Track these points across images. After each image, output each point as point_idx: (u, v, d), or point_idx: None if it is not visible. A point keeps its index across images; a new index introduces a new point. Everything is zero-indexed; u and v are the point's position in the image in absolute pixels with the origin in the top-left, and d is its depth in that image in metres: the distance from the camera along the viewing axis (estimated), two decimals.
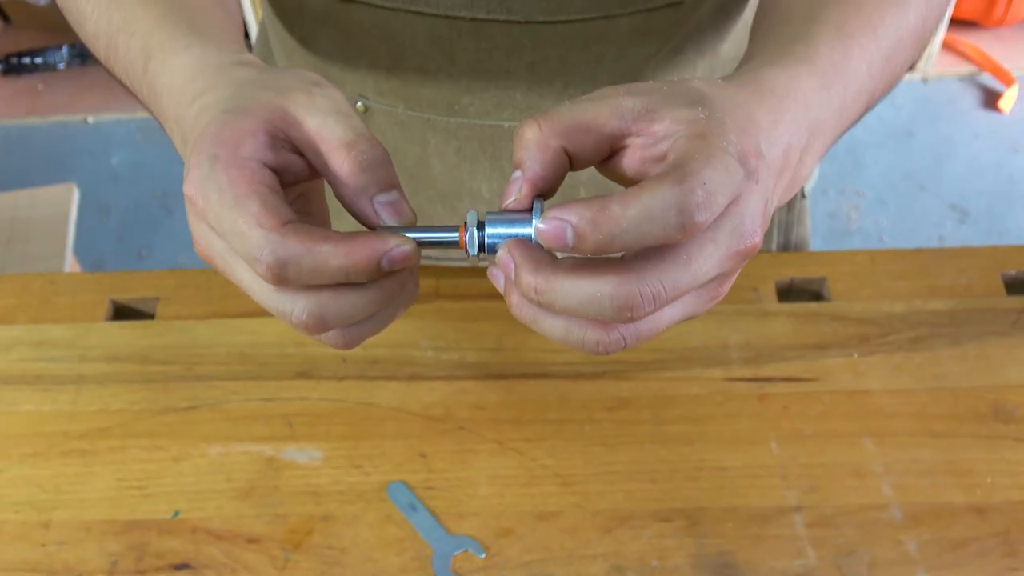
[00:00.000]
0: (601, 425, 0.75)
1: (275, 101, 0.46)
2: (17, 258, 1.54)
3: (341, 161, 0.45)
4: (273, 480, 0.73)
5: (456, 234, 0.47)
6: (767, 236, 0.91)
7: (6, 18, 2.84)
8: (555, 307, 0.43)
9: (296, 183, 0.48)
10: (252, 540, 0.70)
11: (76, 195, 1.64)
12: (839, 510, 0.70)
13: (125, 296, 0.85)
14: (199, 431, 0.76)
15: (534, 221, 0.44)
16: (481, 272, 0.83)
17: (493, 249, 0.46)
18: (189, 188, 0.45)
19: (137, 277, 0.86)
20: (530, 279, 0.43)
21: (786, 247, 0.94)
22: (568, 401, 0.76)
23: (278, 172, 0.46)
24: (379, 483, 0.72)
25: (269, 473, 0.73)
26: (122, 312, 0.85)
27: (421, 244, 0.47)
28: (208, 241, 0.46)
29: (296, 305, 0.45)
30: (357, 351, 0.80)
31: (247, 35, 2.45)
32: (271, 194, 0.44)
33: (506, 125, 0.75)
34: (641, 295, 0.41)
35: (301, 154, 0.47)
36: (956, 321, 0.79)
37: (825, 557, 0.67)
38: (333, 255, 0.43)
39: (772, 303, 0.81)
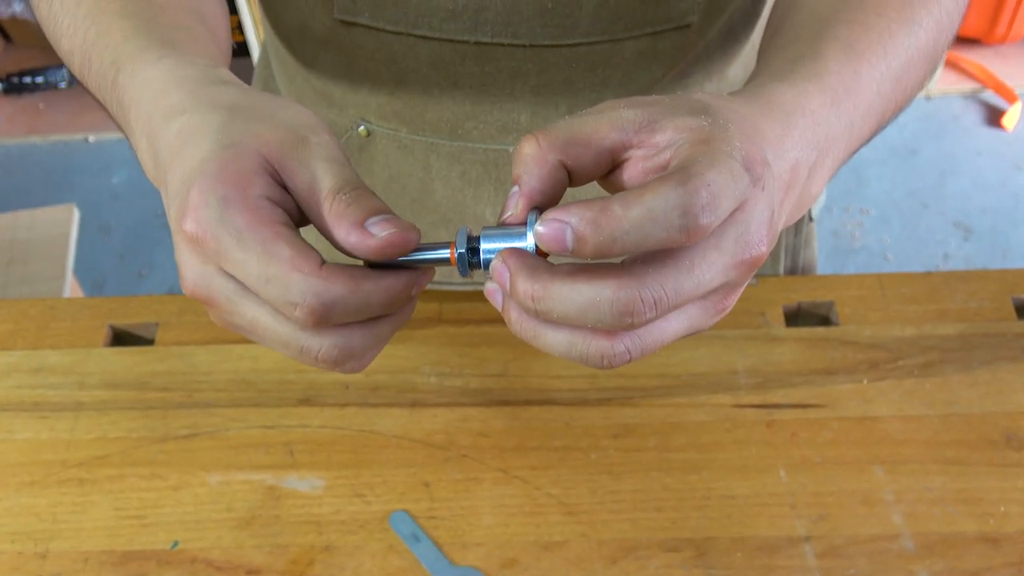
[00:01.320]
0: (607, 453, 0.74)
1: (273, 144, 0.45)
2: (17, 279, 1.53)
3: (329, 206, 0.44)
4: (274, 509, 0.72)
5: (446, 252, 0.46)
6: (774, 259, 0.91)
7: (7, 37, 2.84)
8: (553, 315, 0.42)
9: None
10: (252, 571, 0.69)
11: (76, 216, 1.63)
12: (849, 540, 0.68)
13: (124, 321, 0.84)
14: (199, 459, 0.75)
15: (528, 232, 0.43)
16: (484, 297, 0.82)
17: (487, 265, 0.45)
18: (194, 227, 0.43)
19: (137, 302, 0.85)
20: (527, 286, 0.42)
21: (793, 271, 0.93)
22: (573, 428, 0.75)
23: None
24: (381, 512, 0.71)
25: (270, 502, 0.72)
26: (121, 337, 0.84)
27: (414, 264, 0.46)
28: (209, 282, 0.45)
29: (324, 343, 0.44)
30: (359, 377, 0.79)
31: (248, 54, 2.45)
32: (295, 236, 0.43)
33: (510, 149, 0.75)
34: (642, 299, 0.40)
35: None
36: (967, 346, 0.78)
37: None
38: (375, 292, 0.43)
39: (780, 328, 0.80)
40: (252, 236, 0.42)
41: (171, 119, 0.47)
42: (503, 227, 0.45)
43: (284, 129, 0.46)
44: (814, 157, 0.49)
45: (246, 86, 0.50)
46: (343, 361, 0.45)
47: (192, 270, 0.45)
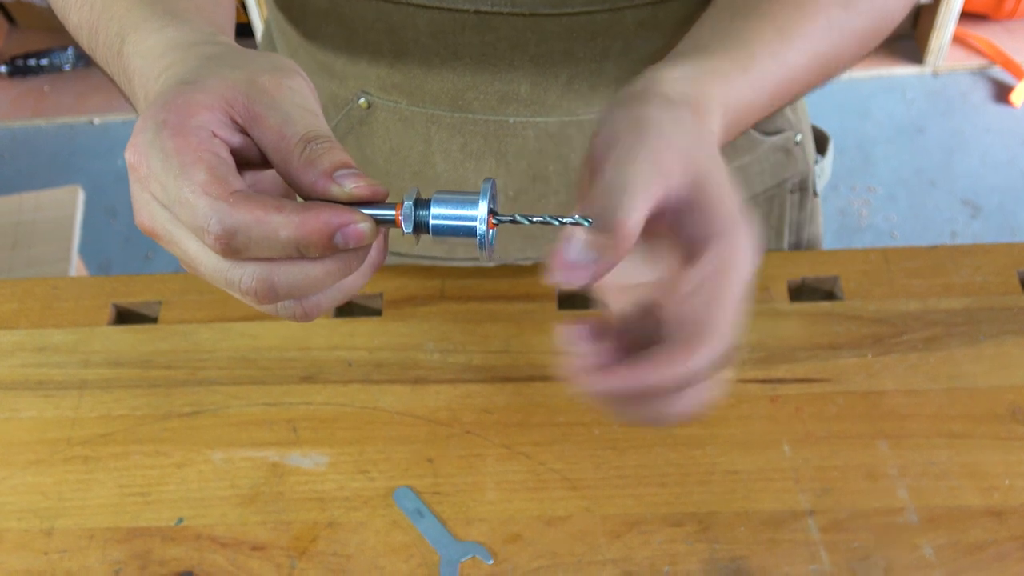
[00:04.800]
0: (610, 428, 0.73)
1: (240, 86, 0.44)
2: (23, 261, 1.53)
3: (297, 154, 0.43)
4: (277, 486, 0.72)
5: (391, 211, 0.44)
6: (777, 234, 0.90)
7: (11, 20, 2.83)
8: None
9: (248, 167, 0.46)
10: (257, 547, 0.69)
11: (81, 197, 1.63)
12: (854, 514, 0.68)
13: (128, 300, 0.84)
14: (202, 437, 0.75)
15: (481, 202, 0.43)
16: (487, 272, 0.82)
17: (435, 229, 0.44)
18: (131, 153, 0.42)
19: (139, 281, 0.85)
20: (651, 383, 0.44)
21: (797, 246, 0.93)
22: (576, 404, 0.75)
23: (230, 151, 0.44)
24: (385, 489, 0.71)
25: (273, 479, 0.72)
26: (125, 316, 0.84)
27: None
28: (151, 211, 0.44)
29: (244, 272, 0.43)
30: (362, 354, 0.79)
31: (252, 34, 2.45)
32: (220, 162, 0.42)
33: (511, 120, 0.74)
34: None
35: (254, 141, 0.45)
36: (972, 320, 0.78)
37: (839, 562, 0.66)
38: (284, 226, 0.41)
39: (784, 303, 0.80)
40: (176, 158, 0.41)
41: (159, 76, 0.47)
42: (455, 192, 0.45)
43: (256, 72, 0.45)
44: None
45: (238, 46, 0.49)
46: (267, 296, 0.43)
47: (136, 200, 0.44)
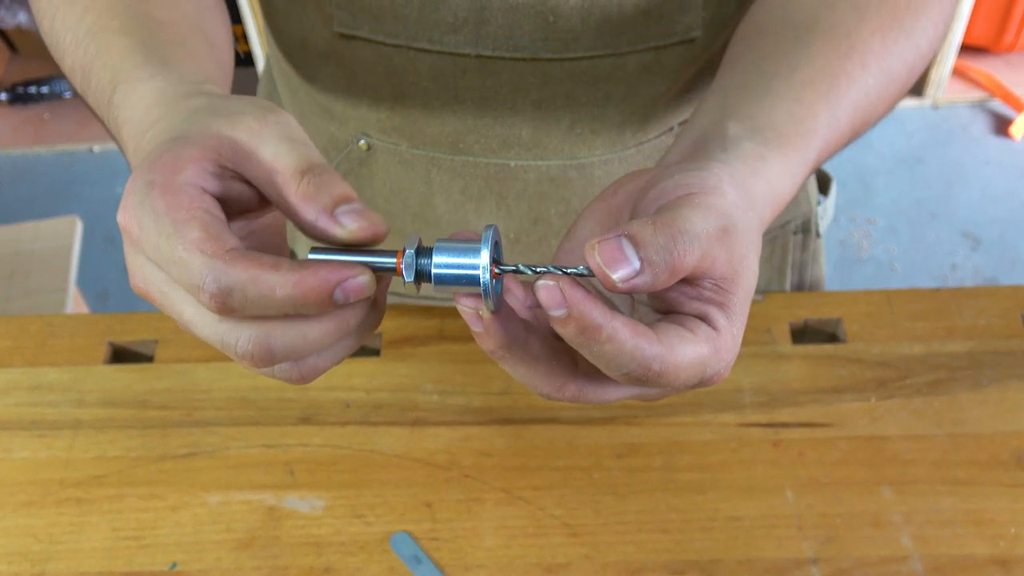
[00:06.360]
0: (611, 473, 0.72)
1: (224, 130, 0.43)
2: (19, 292, 1.52)
3: (295, 188, 0.42)
4: (274, 530, 0.71)
5: (393, 259, 0.43)
6: (780, 275, 0.89)
7: (12, 47, 2.84)
8: (586, 350, 0.42)
9: (244, 213, 0.46)
10: None
11: (80, 228, 1.63)
12: (858, 562, 0.67)
13: (124, 338, 0.83)
14: (198, 479, 0.74)
15: (483, 250, 0.42)
16: None
17: (438, 279, 0.43)
18: (123, 216, 0.42)
19: (136, 318, 0.85)
20: (592, 319, 0.41)
21: (800, 287, 0.92)
22: (577, 447, 0.74)
23: (223, 201, 0.43)
24: (382, 533, 0.70)
25: (270, 523, 0.71)
26: (120, 354, 0.84)
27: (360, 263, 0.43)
28: (145, 273, 0.43)
29: (241, 335, 0.42)
30: (360, 395, 0.78)
31: (253, 63, 2.45)
32: (212, 220, 0.41)
33: (512, 164, 0.74)
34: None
35: (249, 184, 0.44)
36: (976, 363, 0.77)
37: None
38: (281, 284, 0.40)
39: (786, 345, 0.79)
40: (167, 218, 0.40)
41: (147, 132, 0.46)
42: (457, 240, 0.43)
43: (239, 114, 0.44)
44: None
45: (224, 93, 0.49)
46: (264, 360, 0.42)
47: (130, 264, 0.44)
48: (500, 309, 0.44)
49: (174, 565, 0.69)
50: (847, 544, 0.68)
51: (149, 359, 0.82)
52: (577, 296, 0.40)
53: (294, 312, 0.41)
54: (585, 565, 0.68)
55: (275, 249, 0.49)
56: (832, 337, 0.81)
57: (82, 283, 1.66)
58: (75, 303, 1.58)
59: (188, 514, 0.72)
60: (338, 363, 0.46)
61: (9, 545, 0.71)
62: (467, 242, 0.43)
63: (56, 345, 0.83)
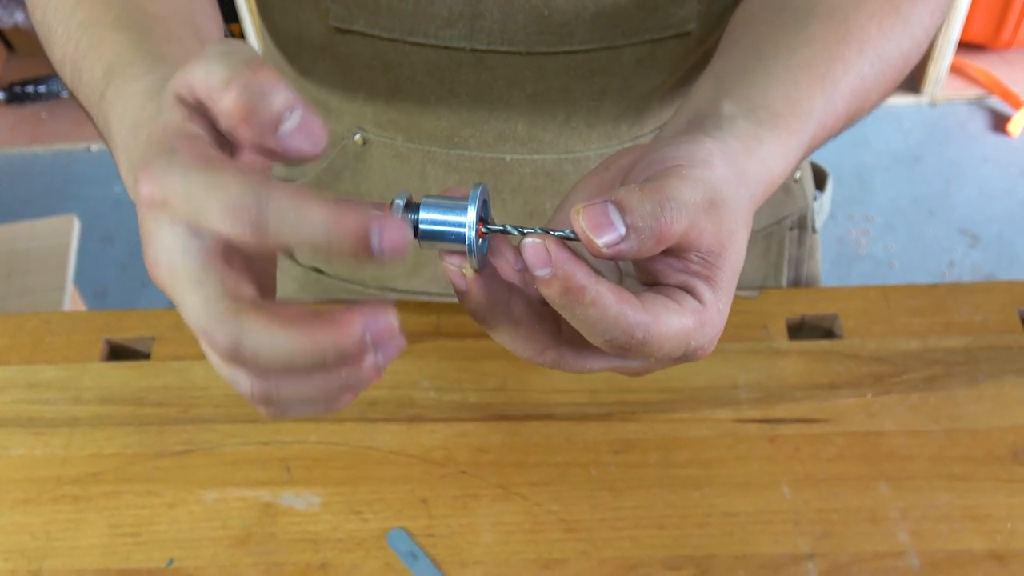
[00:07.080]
0: (607, 469, 0.72)
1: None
2: (17, 291, 1.52)
3: (226, 102, 0.37)
4: (270, 527, 0.71)
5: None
6: (776, 271, 0.90)
7: (9, 46, 2.84)
8: (571, 315, 0.41)
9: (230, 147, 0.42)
10: None
11: (77, 227, 1.62)
12: (854, 558, 0.67)
13: (120, 335, 0.83)
14: (194, 476, 0.74)
15: (470, 207, 0.42)
16: None
17: (424, 234, 0.42)
18: (147, 184, 0.37)
19: (133, 316, 0.85)
20: (577, 281, 0.40)
21: (796, 283, 0.92)
22: (574, 443, 0.74)
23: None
24: (378, 530, 0.70)
25: (266, 520, 0.71)
26: (117, 352, 0.83)
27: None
28: (171, 247, 0.38)
29: (244, 381, 0.40)
30: None
31: None
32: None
33: (507, 158, 0.74)
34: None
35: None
36: (973, 359, 0.77)
37: None
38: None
39: (782, 341, 0.79)
40: (204, 168, 0.37)
41: (139, 127, 0.46)
42: (446, 197, 0.43)
43: None
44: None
45: None
46: (267, 406, 0.41)
47: (153, 239, 0.39)
48: (485, 268, 0.44)
49: (171, 561, 0.69)
50: (843, 539, 0.68)
51: (146, 356, 0.82)
52: (563, 256, 0.40)
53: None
54: (582, 561, 0.68)
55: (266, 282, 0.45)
56: (828, 333, 0.81)
57: (80, 282, 1.66)
58: (73, 302, 1.58)
59: (184, 511, 0.72)
60: (345, 407, 0.44)
61: (6, 542, 0.71)
62: (455, 199, 0.43)
63: (53, 342, 0.83)
